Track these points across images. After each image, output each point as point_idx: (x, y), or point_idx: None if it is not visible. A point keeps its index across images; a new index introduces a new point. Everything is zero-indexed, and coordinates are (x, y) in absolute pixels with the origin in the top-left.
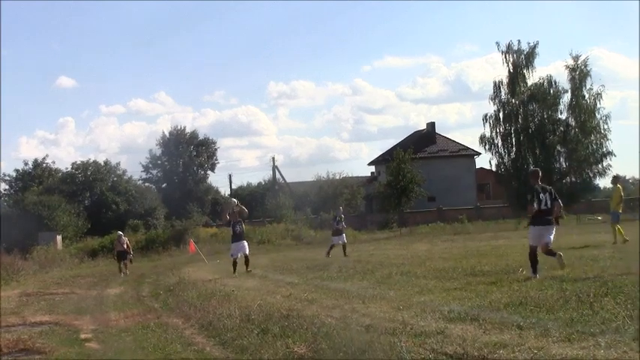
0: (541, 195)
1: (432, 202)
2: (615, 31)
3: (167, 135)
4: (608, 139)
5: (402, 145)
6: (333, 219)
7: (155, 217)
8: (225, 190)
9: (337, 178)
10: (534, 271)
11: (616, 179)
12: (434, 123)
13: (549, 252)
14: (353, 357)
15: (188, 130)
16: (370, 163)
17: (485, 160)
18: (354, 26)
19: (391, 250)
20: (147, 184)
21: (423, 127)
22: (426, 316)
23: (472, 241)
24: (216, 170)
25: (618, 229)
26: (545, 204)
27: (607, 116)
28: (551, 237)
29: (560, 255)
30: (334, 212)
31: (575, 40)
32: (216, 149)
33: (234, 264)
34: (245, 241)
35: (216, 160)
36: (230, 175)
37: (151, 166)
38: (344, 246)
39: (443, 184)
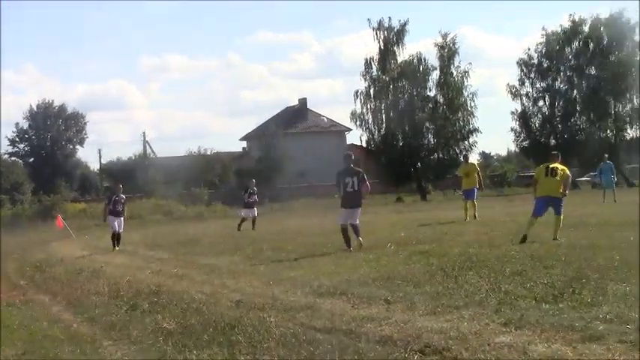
0: (347, 179)
1: (303, 177)
2: (483, 10)
3: (35, 108)
4: (474, 117)
5: (274, 121)
6: (244, 192)
7: (22, 192)
8: (94, 165)
9: (209, 153)
10: (348, 245)
11: (466, 158)
12: (305, 99)
13: (356, 231)
14: (222, 332)
15: (56, 103)
16: (242, 139)
17: (356, 136)
18: (227, 3)
19: (262, 225)
20: (13, 158)
21: (295, 102)
22: (296, 291)
23: None
24: (85, 145)
25: (465, 205)
26: (352, 186)
27: (474, 94)
28: (358, 219)
29: (361, 241)
30: (246, 185)
31: (445, 19)
32: (85, 123)
33: (113, 238)
34: (122, 219)
35: (85, 134)
36: (100, 150)
37: (17, 140)
38: (254, 220)
39: (314, 159)
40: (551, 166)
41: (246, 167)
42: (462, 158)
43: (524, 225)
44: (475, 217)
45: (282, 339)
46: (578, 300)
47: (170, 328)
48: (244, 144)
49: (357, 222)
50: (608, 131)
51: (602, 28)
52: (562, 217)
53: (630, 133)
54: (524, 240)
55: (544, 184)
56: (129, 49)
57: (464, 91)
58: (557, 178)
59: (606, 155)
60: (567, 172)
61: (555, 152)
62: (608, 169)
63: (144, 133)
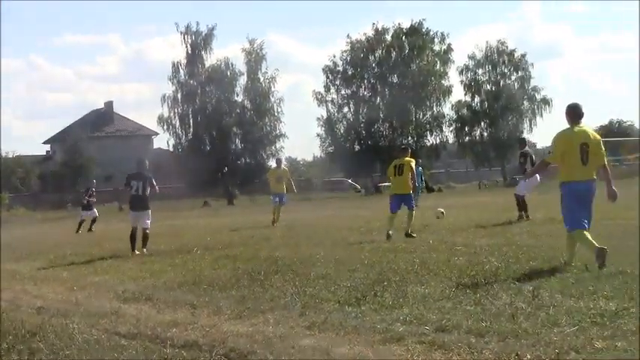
0: (133, 182)
1: (109, 181)
2: (290, 16)
3: None
4: (281, 122)
5: (79, 124)
6: (85, 192)
7: None
8: None
9: (10, 156)
10: (132, 249)
11: (279, 162)
12: (112, 102)
13: (145, 236)
14: (23, 340)
15: None
16: (46, 142)
17: (164, 140)
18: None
19: (66, 230)
20: None
21: (101, 106)
22: (100, 297)
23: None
24: None
25: (273, 209)
26: (137, 190)
27: (280, 99)
28: (148, 222)
29: (144, 252)
30: (86, 186)
31: (253, 24)
32: None
33: None
34: None
35: None
36: None
37: None
38: (94, 220)
39: (120, 163)
40: (399, 163)
41: (51, 171)
42: (274, 163)
43: (385, 223)
44: (274, 222)
45: (86, 345)
46: (380, 302)
47: None
48: (48, 147)
49: (147, 226)
50: (410, 137)
51: (403, 38)
52: (414, 212)
53: (430, 139)
54: (388, 237)
55: (394, 182)
56: None
57: (271, 97)
58: (404, 175)
59: (420, 161)
60: (412, 164)
61: (404, 147)
62: (418, 174)
63: None
